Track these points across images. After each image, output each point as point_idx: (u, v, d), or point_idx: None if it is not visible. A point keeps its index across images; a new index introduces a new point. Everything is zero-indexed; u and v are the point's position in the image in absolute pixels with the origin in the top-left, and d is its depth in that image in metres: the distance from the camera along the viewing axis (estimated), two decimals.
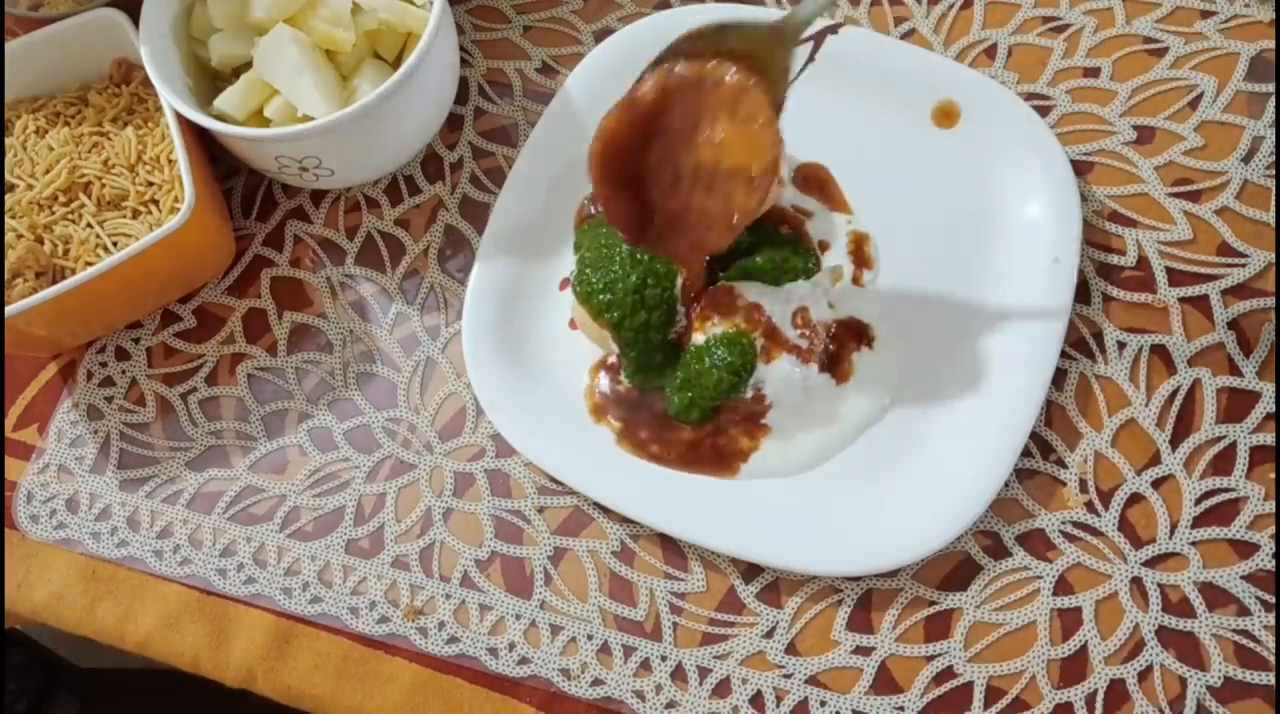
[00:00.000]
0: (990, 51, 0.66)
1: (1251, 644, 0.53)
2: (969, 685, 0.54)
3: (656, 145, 0.51)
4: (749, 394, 0.57)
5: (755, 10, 0.67)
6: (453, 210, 0.67)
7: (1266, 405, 0.56)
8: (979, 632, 0.54)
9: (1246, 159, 0.61)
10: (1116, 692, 0.53)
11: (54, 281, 0.60)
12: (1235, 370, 0.57)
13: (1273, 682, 0.52)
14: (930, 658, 0.54)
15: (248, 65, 0.64)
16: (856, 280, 0.61)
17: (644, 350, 0.57)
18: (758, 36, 0.51)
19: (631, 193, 0.51)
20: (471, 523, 0.60)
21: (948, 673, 0.54)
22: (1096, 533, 0.55)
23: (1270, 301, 0.58)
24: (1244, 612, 0.53)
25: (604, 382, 0.61)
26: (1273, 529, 0.54)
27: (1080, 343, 0.59)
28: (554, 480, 0.59)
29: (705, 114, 0.51)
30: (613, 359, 0.61)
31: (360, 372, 0.64)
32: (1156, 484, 0.56)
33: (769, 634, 0.55)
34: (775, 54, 0.51)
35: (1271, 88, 0.62)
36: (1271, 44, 0.63)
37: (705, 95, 0.51)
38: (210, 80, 0.66)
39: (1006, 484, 0.56)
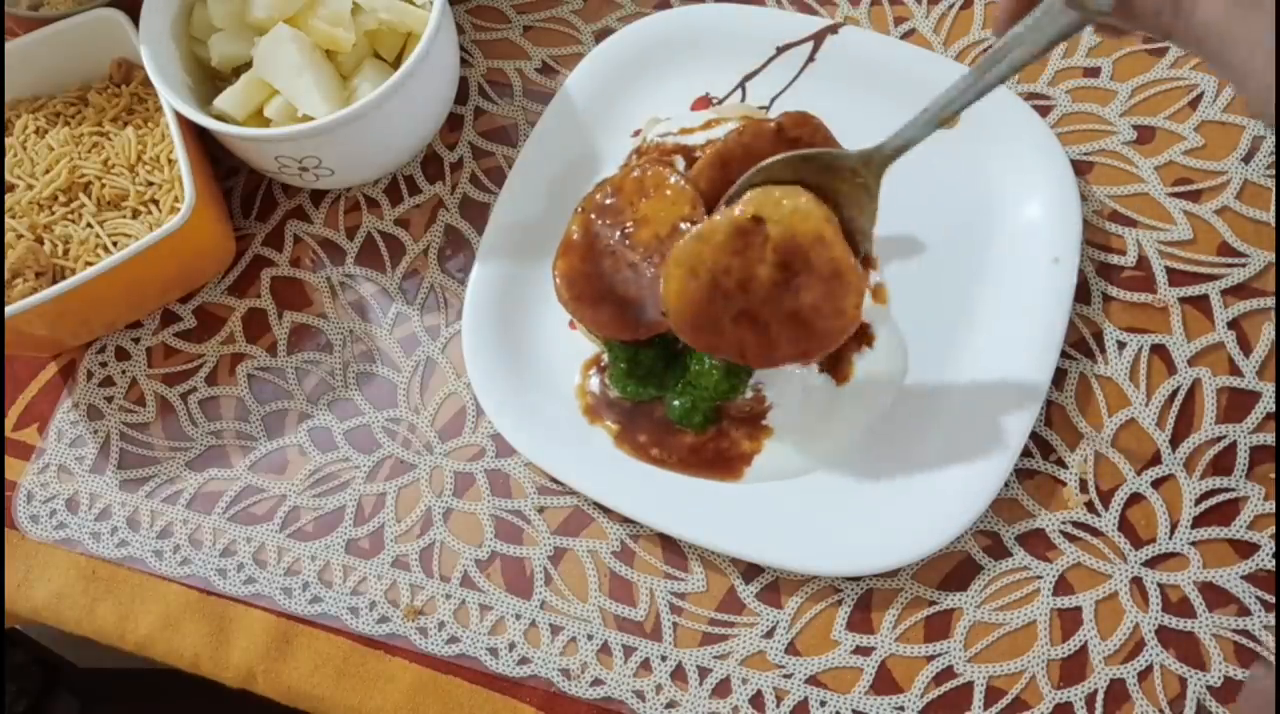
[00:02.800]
0: None
1: (1251, 644, 0.53)
2: (969, 685, 0.54)
3: (605, 260, 0.57)
4: (749, 394, 0.57)
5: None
6: (453, 210, 0.67)
7: (1266, 405, 0.56)
8: (979, 632, 0.54)
9: (1246, 159, 0.61)
10: (1116, 692, 0.53)
11: (54, 282, 0.60)
12: (1235, 370, 0.57)
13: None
14: (930, 658, 0.54)
15: (248, 65, 0.64)
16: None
17: (631, 360, 0.57)
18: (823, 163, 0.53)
19: (606, 300, 0.56)
20: (471, 523, 0.60)
21: (948, 673, 0.54)
22: (1096, 533, 0.55)
23: (1270, 301, 0.58)
24: (1244, 612, 0.53)
25: (594, 382, 0.61)
26: (1273, 529, 0.54)
27: (1080, 343, 0.59)
28: (554, 480, 0.59)
29: (623, 209, 0.57)
30: (605, 359, 0.61)
31: (360, 371, 0.64)
32: (1156, 484, 0.56)
33: (769, 634, 0.55)
34: (853, 186, 0.53)
35: None
36: None
37: (615, 200, 0.58)
38: (210, 80, 0.66)
39: (1006, 484, 0.56)
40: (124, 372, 0.66)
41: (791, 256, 0.51)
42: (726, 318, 0.53)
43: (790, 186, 0.52)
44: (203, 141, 0.66)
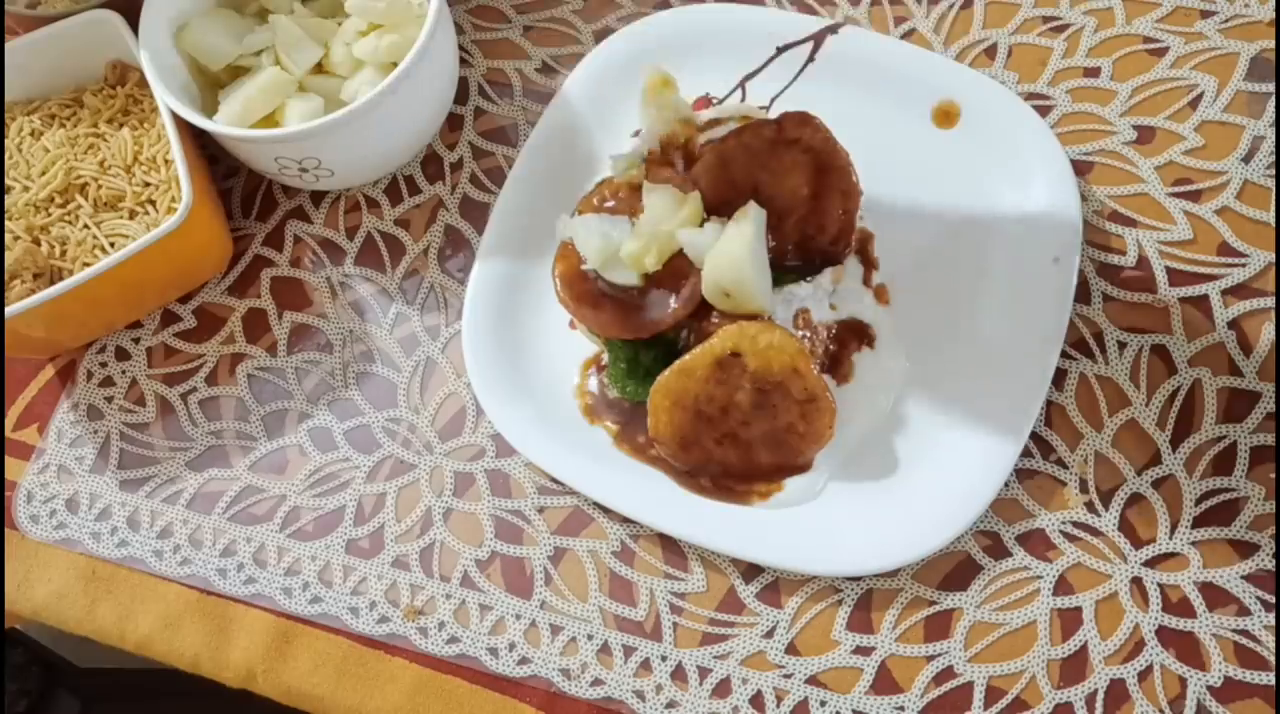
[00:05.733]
0: (990, 51, 0.66)
1: (1251, 644, 0.53)
2: (969, 685, 0.54)
3: None
4: None
5: None
6: (453, 210, 0.67)
7: (1266, 405, 0.56)
8: (979, 632, 0.54)
9: (1246, 159, 0.61)
10: (1116, 692, 0.53)
11: (51, 283, 0.60)
12: (1235, 370, 0.57)
13: (1273, 682, 0.52)
14: (930, 658, 0.54)
15: (241, 69, 0.64)
16: (867, 281, 0.61)
17: (631, 360, 0.57)
18: None
19: (606, 300, 0.57)
20: (471, 523, 0.60)
21: (948, 673, 0.54)
22: (1096, 533, 0.55)
23: (1270, 301, 0.58)
24: (1244, 612, 0.53)
25: (593, 382, 0.61)
26: (1273, 529, 0.54)
27: (1080, 343, 0.59)
28: (554, 480, 0.59)
29: (622, 209, 0.58)
30: (604, 359, 0.60)
31: (360, 372, 0.64)
32: (1156, 484, 0.56)
33: (769, 634, 0.55)
34: None
35: (1271, 88, 0.62)
36: (1271, 44, 0.63)
37: (615, 201, 0.59)
38: (209, 81, 0.66)
39: (1006, 484, 0.56)
40: (124, 372, 0.66)
41: (768, 385, 0.54)
42: (710, 440, 0.56)
43: (765, 322, 0.55)
44: (200, 142, 0.65)
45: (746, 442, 0.56)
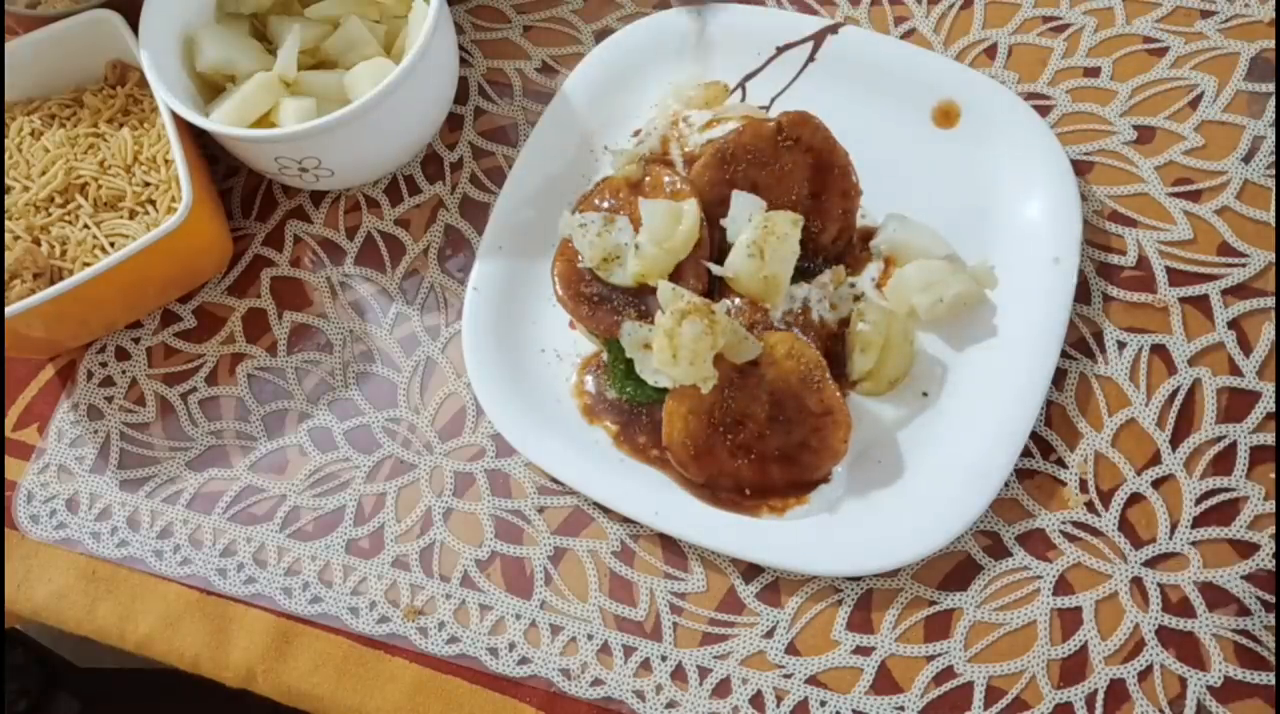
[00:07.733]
0: (990, 51, 0.66)
1: (1251, 644, 0.53)
2: (969, 685, 0.54)
3: None
4: None
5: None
6: (453, 210, 0.67)
7: (1266, 405, 0.56)
8: (979, 632, 0.54)
9: (1246, 159, 0.61)
10: (1116, 692, 0.53)
11: (52, 283, 0.60)
12: (1235, 370, 0.57)
13: (1273, 682, 0.52)
14: (930, 658, 0.54)
15: (243, 73, 0.64)
16: (881, 284, 0.61)
17: (630, 362, 0.57)
18: None
19: (605, 300, 0.57)
20: (471, 523, 0.60)
21: (948, 673, 0.54)
22: (1096, 533, 0.55)
23: (1270, 301, 0.58)
24: (1244, 612, 0.53)
25: (589, 382, 0.61)
26: (1273, 529, 0.54)
27: (1080, 343, 0.59)
28: (554, 480, 0.59)
29: (621, 209, 0.59)
30: (602, 358, 0.60)
31: (360, 372, 0.64)
32: (1156, 484, 0.56)
33: (769, 634, 0.55)
34: None
35: (1271, 88, 0.62)
36: (1271, 44, 0.63)
37: (614, 200, 0.60)
38: (208, 81, 0.66)
39: (1006, 484, 0.56)
40: (124, 372, 0.66)
41: (785, 397, 0.54)
42: (724, 450, 0.55)
43: (785, 333, 0.55)
44: (200, 141, 0.65)
45: (761, 455, 0.55)
